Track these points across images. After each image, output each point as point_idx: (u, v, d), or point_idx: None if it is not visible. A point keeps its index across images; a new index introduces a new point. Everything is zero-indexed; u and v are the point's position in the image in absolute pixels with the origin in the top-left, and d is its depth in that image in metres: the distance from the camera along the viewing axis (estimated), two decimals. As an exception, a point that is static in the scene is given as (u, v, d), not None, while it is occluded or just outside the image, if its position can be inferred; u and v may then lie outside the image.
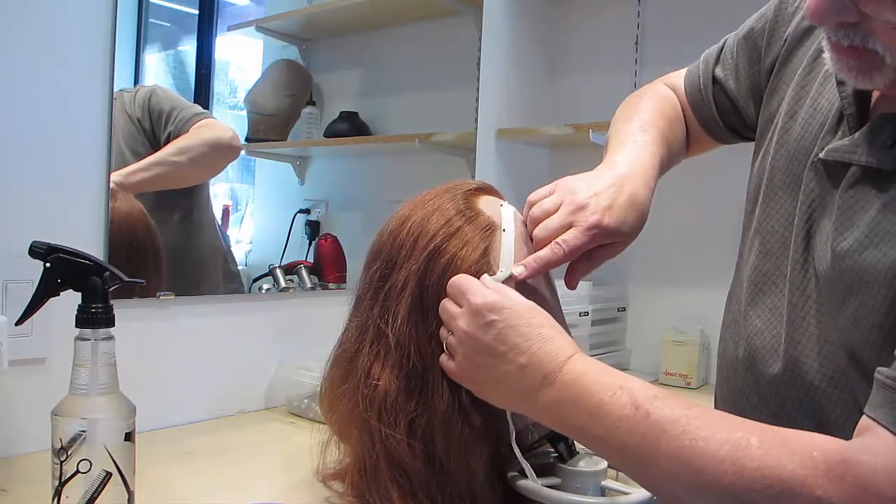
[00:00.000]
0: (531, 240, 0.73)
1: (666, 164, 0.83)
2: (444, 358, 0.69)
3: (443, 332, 0.69)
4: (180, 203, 1.23)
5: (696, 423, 0.53)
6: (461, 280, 0.68)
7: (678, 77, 0.91)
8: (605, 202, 0.70)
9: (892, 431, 0.49)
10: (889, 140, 0.60)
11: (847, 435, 0.52)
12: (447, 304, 0.68)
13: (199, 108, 1.23)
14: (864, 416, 0.52)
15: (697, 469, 0.51)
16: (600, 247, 0.72)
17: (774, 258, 0.71)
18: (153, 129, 1.14)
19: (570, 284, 0.75)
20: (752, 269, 0.73)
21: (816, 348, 0.64)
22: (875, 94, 0.65)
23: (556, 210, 0.71)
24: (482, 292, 0.65)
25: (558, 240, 0.69)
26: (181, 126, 1.16)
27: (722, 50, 0.85)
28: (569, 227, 0.70)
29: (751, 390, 0.72)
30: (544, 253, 0.69)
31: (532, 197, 0.75)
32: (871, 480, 0.48)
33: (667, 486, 0.54)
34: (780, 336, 0.68)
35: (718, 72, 0.85)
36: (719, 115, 0.85)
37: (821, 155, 0.65)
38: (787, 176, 0.71)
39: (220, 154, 1.27)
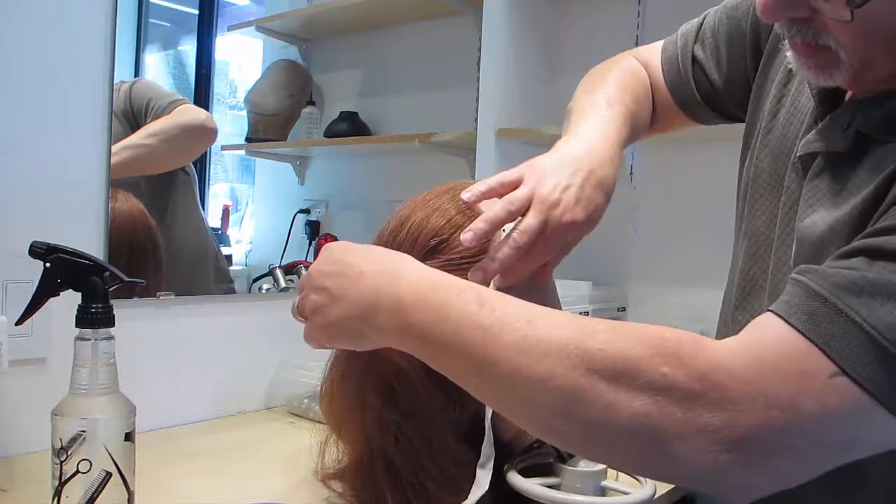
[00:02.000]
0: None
1: (627, 140, 0.79)
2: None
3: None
4: (164, 201, 1.22)
5: (541, 317, 0.50)
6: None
7: (651, 52, 0.87)
8: (574, 194, 0.65)
9: (781, 317, 0.47)
10: (846, 123, 0.58)
11: None
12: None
13: (175, 96, 1.20)
14: None
15: (539, 357, 0.48)
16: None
17: (760, 261, 0.70)
18: (136, 122, 1.13)
19: (543, 275, 0.71)
20: (741, 272, 0.73)
21: None
22: (849, 94, 0.63)
23: (526, 209, 0.66)
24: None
25: (514, 236, 0.63)
26: (158, 115, 1.15)
27: (701, 27, 0.82)
28: (544, 228, 0.64)
29: None
30: (505, 253, 0.64)
31: (499, 188, 0.70)
32: (724, 361, 0.45)
33: (506, 384, 0.49)
34: None
35: (698, 50, 0.82)
36: (700, 94, 0.82)
37: (798, 153, 0.64)
38: (770, 177, 0.70)
39: (193, 136, 1.24)
